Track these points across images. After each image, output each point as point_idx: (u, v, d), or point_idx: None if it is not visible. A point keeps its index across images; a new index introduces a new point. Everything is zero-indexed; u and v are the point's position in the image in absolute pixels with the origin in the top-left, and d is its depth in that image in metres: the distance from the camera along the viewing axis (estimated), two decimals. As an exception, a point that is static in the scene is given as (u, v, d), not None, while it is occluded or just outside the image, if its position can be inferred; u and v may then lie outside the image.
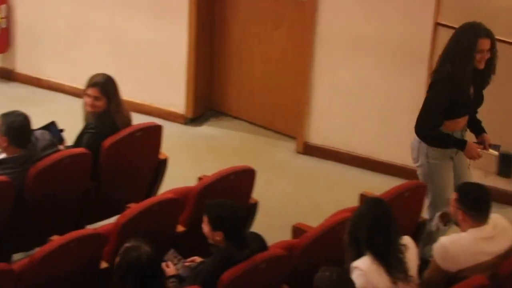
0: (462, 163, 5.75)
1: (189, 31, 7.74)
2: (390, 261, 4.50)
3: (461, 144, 5.56)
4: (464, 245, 4.72)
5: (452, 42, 5.53)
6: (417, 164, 5.74)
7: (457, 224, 4.88)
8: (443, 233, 5.54)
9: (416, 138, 5.69)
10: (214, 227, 4.75)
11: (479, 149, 5.60)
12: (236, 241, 4.75)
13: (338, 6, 7.20)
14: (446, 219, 5.41)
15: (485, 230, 4.77)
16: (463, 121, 5.66)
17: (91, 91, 5.89)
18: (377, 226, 4.55)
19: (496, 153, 5.76)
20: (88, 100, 5.91)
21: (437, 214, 5.46)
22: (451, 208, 4.87)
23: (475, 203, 4.78)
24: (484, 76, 5.58)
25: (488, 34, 5.49)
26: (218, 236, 4.75)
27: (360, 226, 4.59)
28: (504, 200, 6.78)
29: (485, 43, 5.46)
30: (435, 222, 5.46)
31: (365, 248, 4.54)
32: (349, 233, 4.64)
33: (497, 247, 4.78)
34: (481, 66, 5.49)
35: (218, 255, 4.76)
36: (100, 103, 5.89)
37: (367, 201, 4.80)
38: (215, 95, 8.09)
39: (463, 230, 4.81)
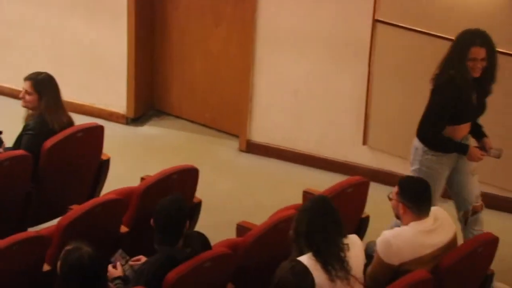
0: (465, 169, 5.68)
1: (129, 30, 7.69)
2: (328, 259, 4.51)
3: (463, 149, 5.51)
4: (406, 238, 4.76)
5: (451, 48, 5.49)
6: (411, 169, 5.68)
7: (398, 218, 4.92)
8: None
9: (415, 142, 5.63)
10: (154, 217, 4.80)
11: (482, 155, 5.54)
12: (174, 239, 4.74)
13: (279, 2, 7.21)
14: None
15: (426, 223, 4.82)
16: (465, 128, 5.59)
17: (24, 85, 5.87)
18: (316, 223, 4.56)
19: (497, 156, 5.67)
20: (21, 94, 5.88)
21: None
22: (393, 202, 4.91)
23: (415, 197, 4.83)
24: (482, 84, 5.50)
25: (484, 43, 5.41)
26: (153, 223, 4.80)
27: (301, 223, 4.61)
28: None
29: (477, 52, 5.37)
30: None
31: (305, 245, 4.56)
32: (293, 230, 4.65)
33: (438, 239, 4.83)
34: (476, 74, 5.42)
35: (161, 254, 4.76)
36: (31, 98, 5.84)
37: (311, 198, 4.81)
38: (157, 95, 8.06)
39: (405, 224, 4.85)
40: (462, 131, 5.58)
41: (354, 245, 4.69)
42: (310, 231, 4.57)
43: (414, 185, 4.90)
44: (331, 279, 4.49)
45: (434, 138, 5.51)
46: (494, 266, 5.19)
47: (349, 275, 4.53)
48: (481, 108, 5.62)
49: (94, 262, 4.30)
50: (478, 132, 5.70)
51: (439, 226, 4.84)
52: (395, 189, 4.92)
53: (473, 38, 5.42)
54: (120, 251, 4.99)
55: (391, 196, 4.92)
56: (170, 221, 4.76)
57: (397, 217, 4.93)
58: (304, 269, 4.31)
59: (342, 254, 4.54)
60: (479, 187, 5.79)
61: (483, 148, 5.63)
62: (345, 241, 4.61)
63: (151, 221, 4.81)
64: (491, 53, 5.45)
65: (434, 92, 5.51)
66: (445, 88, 5.45)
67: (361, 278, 4.67)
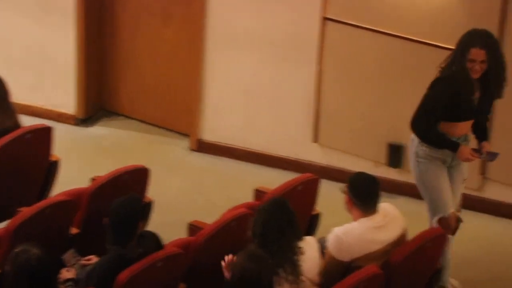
0: (457, 175, 5.63)
1: (77, 30, 7.63)
2: (280, 261, 4.53)
3: (454, 146, 5.44)
4: (357, 234, 4.80)
5: (456, 45, 5.42)
6: (411, 168, 5.62)
7: (349, 212, 4.96)
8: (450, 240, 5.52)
9: (411, 139, 5.59)
10: (108, 214, 4.78)
11: (473, 156, 5.46)
12: (126, 239, 4.73)
13: (228, 3, 7.21)
14: (447, 225, 5.42)
15: (375, 219, 4.86)
16: (464, 126, 5.51)
17: None
18: (272, 225, 4.57)
19: (489, 160, 5.64)
20: None
21: (434, 220, 5.49)
22: (345, 197, 4.93)
23: (363, 193, 4.86)
24: (486, 86, 5.44)
25: (485, 45, 5.32)
26: (106, 221, 4.77)
27: (257, 224, 4.62)
28: (395, 190, 6.91)
29: (477, 54, 5.30)
30: None
31: (259, 246, 4.57)
32: (251, 230, 4.67)
33: (388, 235, 4.87)
34: (474, 75, 5.35)
35: (112, 254, 4.74)
36: None
37: (269, 199, 4.83)
38: (106, 95, 8.01)
39: (354, 219, 4.88)
40: (460, 129, 5.51)
41: (310, 247, 4.71)
42: (265, 232, 4.58)
43: (361, 181, 4.93)
44: (279, 283, 4.51)
45: (425, 131, 5.45)
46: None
47: (299, 279, 4.56)
48: (483, 109, 5.53)
49: (42, 264, 4.27)
50: (480, 134, 5.61)
51: (388, 222, 4.88)
52: (347, 184, 4.95)
53: (474, 39, 5.34)
54: (72, 250, 4.97)
55: (343, 190, 4.95)
56: (122, 220, 4.74)
57: (348, 211, 4.96)
58: (261, 254, 4.32)
59: (295, 258, 4.56)
60: (461, 197, 5.75)
61: (479, 150, 5.53)
62: (301, 244, 4.63)
63: (105, 220, 4.78)
64: (493, 56, 5.34)
65: (432, 85, 5.46)
66: (442, 82, 5.41)
67: (316, 279, 4.70)
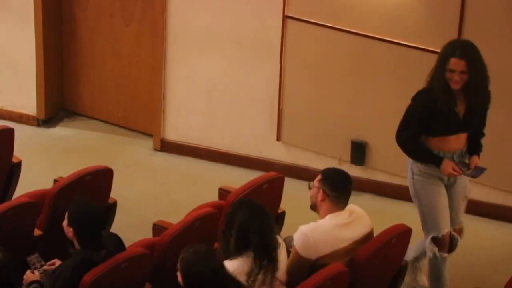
0: (457, 193, 5.52)
1: (36, 31, 7.58)
2: (260, 260, 4.55)
3: (436, 160, 5.33)
4: (323, 232, 4.80)
5: (437, 56, 5.33)
6: (408, 184, 5.52)
7: (314, 208, 4.94)
8: (443, 261, 5.46)
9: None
10: (69, 222, 4.75)
11: (456, 171, 5.32)
12: (90, 242, 4.71)
13: (188, 2, 7.19)
14: (440, 245, 5.35)
15: (342, 215, 4.86)
16: (455, 140, 5.39)
17: None
18: (253, 223, 4.57)
19: (473, 176, 5.43)
20: None
21: (428, 239, 5.40)
22: (312, 190, 4.92)
23: (337, 185, 4.86)
24: (468, 98, 5.30)
25: (465, 55, 5.19)
26: (70, 232, 4.74)
27: (233, 222, 4.61)
28: (358, 187, 6.94)
29: (456, 64, 5.19)
30: (429, 248, 5.39)
31: (237, 244, 4.58)
32: (225, 231, 4.66)
33: (354, 233, 4.88)
34: (454, 86, 5.24)
35: (76, 257, 4.71)
36: None
37: (239, 199, 4.83)
38: (68, 95, 7.96)
39: (321, 215, 4.88)
40: (451, 144, 5.40)
41: (280, 246, 4.72)
42: (244, 230, 4.57)
43: (337, 175, 4.93)
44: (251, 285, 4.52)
45: (406, 144, 5.35)
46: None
47: (274, 277, 4.57)
48: (471, 123, 5.41)
49: (6, 267, 4.23)
50: (471, 149, 5.48)
51: (354, 220, 4.89)
52: (318, 177, 4.94)
53: (454, 49, 5.24)
54: (36, 254, 4.93)
55: (311, 185, 4.94)
56: (85, 224, 4.71)
57: (313, 206, 4.94)
58: (207, 250, 4.32)
59: (274, 254, 4.57)
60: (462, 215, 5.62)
61: (466, 165, 5.41)
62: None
63: (67, 228, 4.75)
64: (474, 67, 5.22)
65: (413, 97, 5.36)
66: (419, 96, 5.33)
67: (283, 278, 4.71)
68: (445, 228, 5.43)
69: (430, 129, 5.36)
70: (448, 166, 5.34)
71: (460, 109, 5.35)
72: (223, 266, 4.36)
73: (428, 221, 5.45)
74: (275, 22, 6.95)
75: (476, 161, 5.45)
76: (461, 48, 5.25)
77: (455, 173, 5.36)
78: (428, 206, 5.44)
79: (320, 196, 4.87)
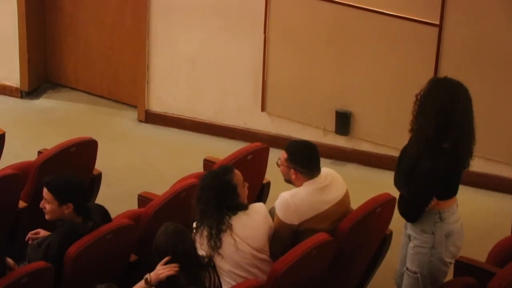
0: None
1: (19, 2, 7.53)
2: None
3: None
4: (304, 196, 4.80)
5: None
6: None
7: (289, 182, 4.94)
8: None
9: None
10: (63, 201, 4.67)
11: None
12: (83, 213, 4.70)
13: (172, -29, 7.16)
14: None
15: (318, 180, 4.86)
16: None
17: None
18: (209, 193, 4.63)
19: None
20: None
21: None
22: (282, 168, 4.91)
23: (306, 161, 4.86)
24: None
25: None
26: (68, 209, 4.68)
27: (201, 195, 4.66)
28: (343, 157, 6.96)
29: None
30: None
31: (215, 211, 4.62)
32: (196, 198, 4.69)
33: (333, 194, 4.89)
34: None
35: (62, 229, 4.69)
36: None
37: (211, 172, 4.85)
38: (51, 67, 7.92)
39: (298, 186, 4.88)
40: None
41: (258, 215, 4.72)
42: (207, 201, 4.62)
43: (302, 149, 4.91)
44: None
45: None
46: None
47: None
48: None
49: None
50: None
51: (331, 182, 4.89)
52: (283, 155, 4.92)
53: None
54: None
55: (279, 163, 4.93)
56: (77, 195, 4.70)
57: (288, 181, 4.94)
58: (178, 229, 4.35)
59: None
60: None
61: None
62: (247, 211, 4.66)
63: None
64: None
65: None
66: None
67: (265, 247, 4.71)
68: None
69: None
70: None
71: None
72: (193, 247, 4.41)
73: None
74: (258, -7, 6.93)
75: None
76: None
77: None
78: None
79: (292, 174, 4.87)
